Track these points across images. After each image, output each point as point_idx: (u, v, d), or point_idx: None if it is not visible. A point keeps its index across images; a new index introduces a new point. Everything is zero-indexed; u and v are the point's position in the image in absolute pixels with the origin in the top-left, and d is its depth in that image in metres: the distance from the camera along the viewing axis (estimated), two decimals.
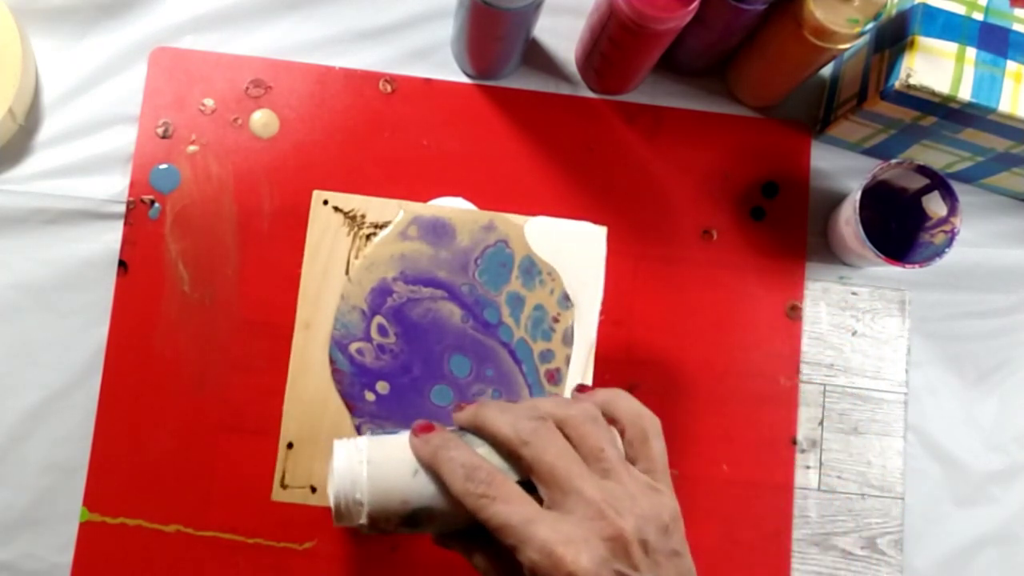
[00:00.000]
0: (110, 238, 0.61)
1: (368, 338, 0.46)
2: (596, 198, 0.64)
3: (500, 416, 0.38)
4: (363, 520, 0.38)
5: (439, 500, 0.38)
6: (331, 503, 0.39)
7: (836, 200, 0.64)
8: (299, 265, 0.47)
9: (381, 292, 0.47)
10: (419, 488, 0.38)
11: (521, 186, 0.63)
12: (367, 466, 0.38)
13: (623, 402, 0.40)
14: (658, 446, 0.39)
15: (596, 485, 0.36)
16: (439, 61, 0.65)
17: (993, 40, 0.54)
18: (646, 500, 0.37)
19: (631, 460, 0.39)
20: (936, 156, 0.62)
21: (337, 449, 0.39)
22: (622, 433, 0.40)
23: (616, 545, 0.35)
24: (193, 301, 0.61)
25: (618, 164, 0.64)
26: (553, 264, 0.49)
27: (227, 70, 0.63)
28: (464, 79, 0.65)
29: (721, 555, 0.61)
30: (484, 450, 0.39)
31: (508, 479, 0.37)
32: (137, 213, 0.61)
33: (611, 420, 0.40)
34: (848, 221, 0.59)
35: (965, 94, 0.53)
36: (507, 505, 0.36)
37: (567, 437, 0.38)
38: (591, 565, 0.34)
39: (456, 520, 0.39)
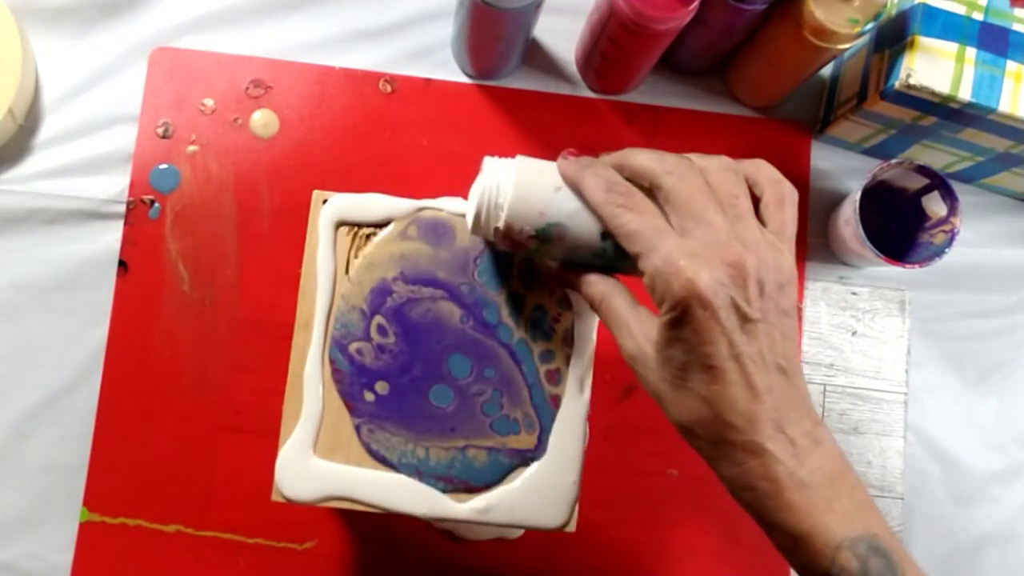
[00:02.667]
0: (110, 238, 0.61)
1: (368, 338, 0.46)
2: None
3: (645, 152, 0.40)
4: (500, 224, 0.41)
5: (573, 219, 0.40)
6: (471, 211, 0.42)
7: (836, 200, 0.64)
8: (299, 265, 0.47)
9: (381, 292, 0.47)
10: (558, 203, 0.40)
11: None
12: (515, 175, 0.41)
13: (765, 168, 0.41)
14: (791, 213, 0.40)
15: (726, 222, 0.37)
16: (439, 61, 0.65)
17: (993, 40, 0.54)
18: (770, 251, 0.38)
19: (762, 222, 0.40)
20: (936, 156, 0.62)
21: (488, 161, 0.42)
22: (760, 196, 0.40)
23: (736, 273, 0.36)
24: (193, 301, 0.61)
25: None
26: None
27: (227, 70, 0.63)
28: (464, 79, 0.65)
29: (721, 555, 0.61)
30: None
31: (646, 198, 0.39)
32: (137, 213, 0.61)
33: (751, 184, 0.41)
34: (848, 221, 0.59)
35: (965, 94, 0.53)
36: (641, 216, 0.38)
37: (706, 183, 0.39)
38: (709, 281, 0.35)
39: (581, 244, 0.41)
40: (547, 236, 0.41)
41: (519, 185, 0.40)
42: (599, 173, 0.39)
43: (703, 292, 0.35)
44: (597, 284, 0.41)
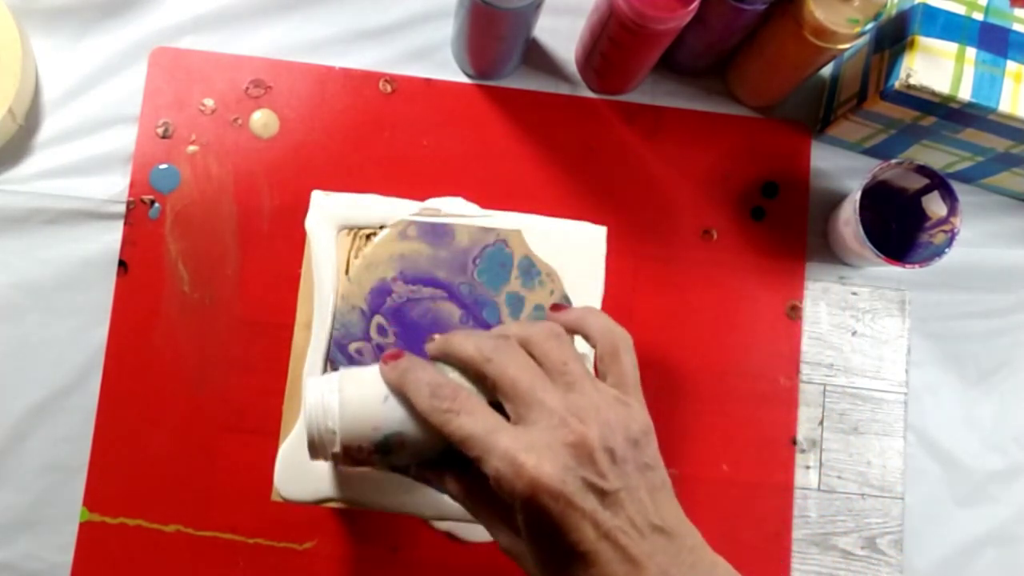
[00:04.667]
0: (110, 238, 0.61)
1: (367, 338, 0.46)
2: (596, 198, 0.64)
3: (465, 339, 0.38)
4: (336, 448, 0.39)
5: (409, 425, 0.39)
6: (307, 436, 0.40)
7: (836, 200, 0.64)
8: (299, 265, 0.47)
9: (380, 292, 0.47)
10: (389, 413, 0.39)
11: (521, 186, 0.63)
12: (339, 395, 0.39)
13: (593, 318, 0.40)
14: (628, 360, 0.39)
15: (559, 396, 0.36)
16: (439, 61, 0.65)
17: (993, 40, 0.54)
18: (612, 411, 0.37)
19: (601, 376, 0.39)
20: (936, 156, 0.62)
21: (309, 383, 0.40)
22: (593, 348, 0.39)
23: (580, 452, 0.35)
24: (193, 301, 0.61)
25: (618, 164, 0.64)
26: (553, 264, 0.49)
27: (227, 70, 0.63)
28: (464, 79, 0.65)
29: (721, 555, 0.61)
30: (455, 375, 0.39)
31: (473, 395, 0.37)
32: (137, 213, 0.61)
33: (585, 336, 0.40)
34: (848, 221, 0.59)
35: (965, 94, 0.53)
36: (471, 417, 0.36)
37: (532, 355, 0.38)
38: (554, 471, 0.34)
39: (427, 445, 0.39)
40: (388, 447, 0.39)
41: (345, 404, 0.39)
42: (420, 377, 0.38)
43: (550, 484, 0.34)
44: (451, 485, 0.40)
